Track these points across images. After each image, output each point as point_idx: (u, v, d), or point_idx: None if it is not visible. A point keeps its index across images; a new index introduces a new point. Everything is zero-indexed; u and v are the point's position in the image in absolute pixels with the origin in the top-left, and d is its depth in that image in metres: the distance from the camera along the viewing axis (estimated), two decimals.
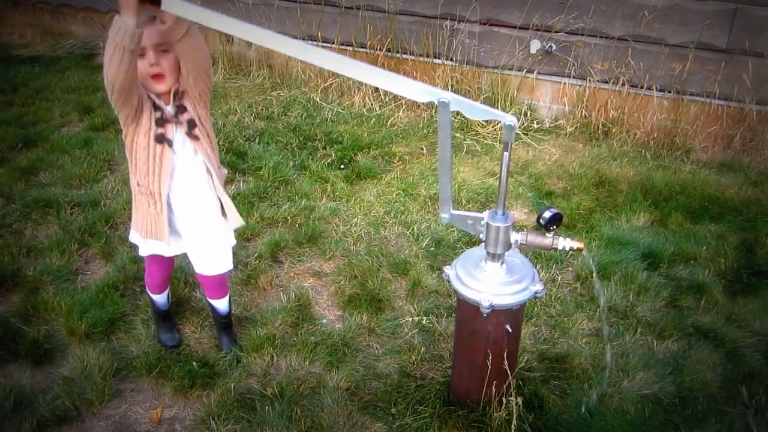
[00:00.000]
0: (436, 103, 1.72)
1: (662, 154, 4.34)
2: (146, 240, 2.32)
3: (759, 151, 4.25)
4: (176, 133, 2.15)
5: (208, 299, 2.61)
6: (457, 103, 1.72)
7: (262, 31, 1.79)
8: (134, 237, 2.38)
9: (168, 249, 2.34)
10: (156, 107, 2.11)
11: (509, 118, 1.68)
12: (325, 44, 5.45)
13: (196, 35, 1.99)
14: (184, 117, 2.14)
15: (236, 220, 2.35)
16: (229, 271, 2.48)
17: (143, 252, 2.40)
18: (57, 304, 2.82)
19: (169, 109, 2.13)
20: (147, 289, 2.62)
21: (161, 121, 2.11)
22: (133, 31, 1.83)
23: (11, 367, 2.55)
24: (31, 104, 5.16)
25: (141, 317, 2.77)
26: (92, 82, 5.67)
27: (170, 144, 2.14)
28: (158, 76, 2.06)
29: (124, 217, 3.47)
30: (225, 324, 2.65)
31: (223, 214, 2.33)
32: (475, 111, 1.74)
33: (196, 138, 2.17)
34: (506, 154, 1.77)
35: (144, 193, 2.20)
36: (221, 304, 2.60)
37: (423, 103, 4.93)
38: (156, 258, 2.42)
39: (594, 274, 2.98)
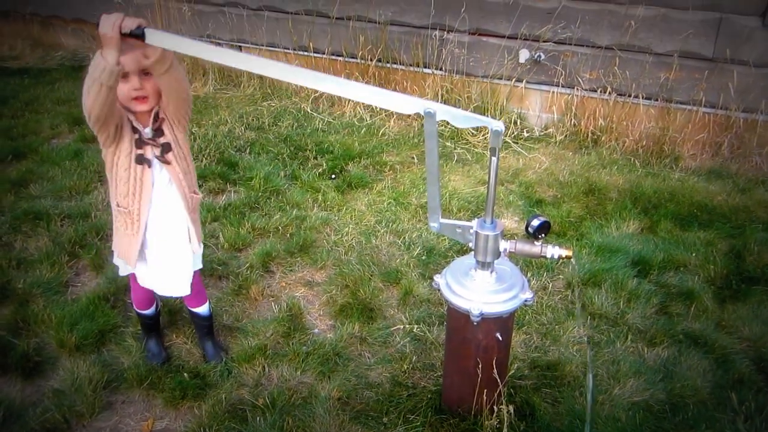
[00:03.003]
0: (422, 113, 1.74)
1: (651, 161, 4.37)
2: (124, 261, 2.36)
3: (747, 158, 4.29)
4: (154, 155, 2.18)
5: (188, 308, 2.62)
6: (444, 112, 1.73)
7: (243, 55, 1.86)
8: (116, 258, 2.42)
9: (140, 274, 2.37)
10: (134, 129, 2.14)
11: (496, 124, 1.70)
12: (316, 55, 5.48)
13: (177, 68, 2.02)
14: (160, 140, 2.18)
15: (195, 248, 2.38)
16: (191, 287, 2.42)
17: (122, 272, 2.44)
18: (47, 316, 2.81)
19: (147, 131, 2.16)
20: (134, 306, 2.61)
21: (140, 143, 2.15)
22: (113, 68, 1.87)
23: (0, 381, 2.53)
24: (20, 116, 5.15)
25: (131, 329, 2.76)
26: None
27: (149, 164, 2.17)
28: (141, 98, 2.09)
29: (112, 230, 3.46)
30: (207, 328, 2.65)
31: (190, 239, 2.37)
32: (462, 119, 1.75)
33: (167, 162, 2.20)
34: (494, 159, 1.78)
35: (123, 213, 2.23)
36: (202, 309, 2.60)
37: (412, 114, 4.95)
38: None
39: (576, 294, 2.99)
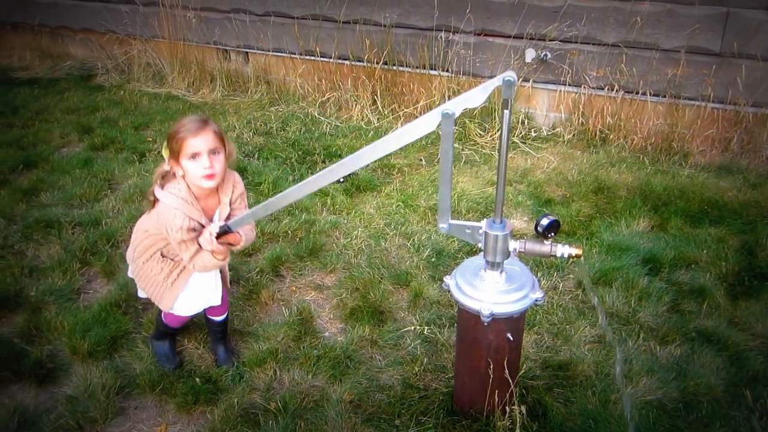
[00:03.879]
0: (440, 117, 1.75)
1: (660, 158, 4.35)
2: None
3: (757, 153, 4.26)
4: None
5: (206, 314, 2.63)
6: (460, 102, 1.75)
7: (303, 185, 2.05)
8: (141, 292, 2.57)
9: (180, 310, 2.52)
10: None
11: (507, 74, 1.69)
12: (323, 59, 5.49)
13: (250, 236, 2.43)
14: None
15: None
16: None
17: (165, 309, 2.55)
18: (59, 323, 2.83)
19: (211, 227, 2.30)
20: (164, 320, 2.62)
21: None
22: (225, 263, 2.38)
23: (15, 388, 2.55)
24: (30, 126, 5.20)
25: (143, 335, 2.77)
26: (91, 103, 5.71)
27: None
28: (210, 176, 2.24)
29: (125, 236, 3.49)
30: (221, 333, 2.66)
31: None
32: (479, 95, 1.74)
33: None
34: (506, 112, 1.76)
35: (167, 263, 2.40)
36: (219, 317, 2.63)
37: (420, 114, 4.96)
38: None
39: (587, 286, 2.97)
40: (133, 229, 2.52)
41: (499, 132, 1.88)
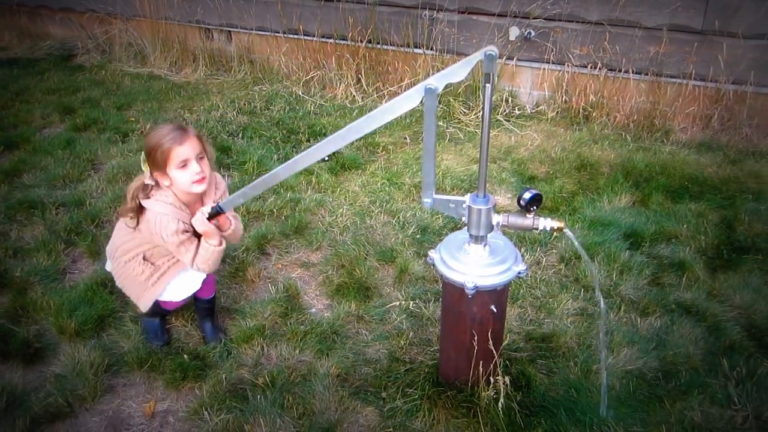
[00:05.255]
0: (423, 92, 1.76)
1: (642, 136, 4.40)
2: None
3: (737, 130, 4.32)
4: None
5: (194, 294, 2.64)
6: (443, 77, 1.76)
7: (291, 163, 2.06)
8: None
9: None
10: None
11: (489, 48, 1.71)
12: (306, 37, 5.46)
13: (239, 226, 2.50)
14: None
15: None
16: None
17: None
18: (46, 303, 2.83)
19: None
20: (161, 305, 2.61)
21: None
22: (221, 249, 2.36)
23: (2, 368, 2.55)
24: (11, 107, 5.13)
25: (130, 314, 2.78)
26: (72, 83, 5.65)
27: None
28: (201, 180, 2.28)
29: (109, 216, 3.48)
30: (208, 311, 2.68)
31: None
32: (461, 69, 1.76)
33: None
34: (488, 86, 1.78)
35: (147, 266, 2.42)
36: (207, 296, 2.65)
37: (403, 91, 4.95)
38: None
39: (577, 246, 3.02)
40: (115, 226, 2.53)
41: (482, 108, 1.89)
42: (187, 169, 2.24)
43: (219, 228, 2.37)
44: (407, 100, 1.80)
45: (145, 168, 2.29)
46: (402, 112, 1.85)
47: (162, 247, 2.38)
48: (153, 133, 2.26)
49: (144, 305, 2.49)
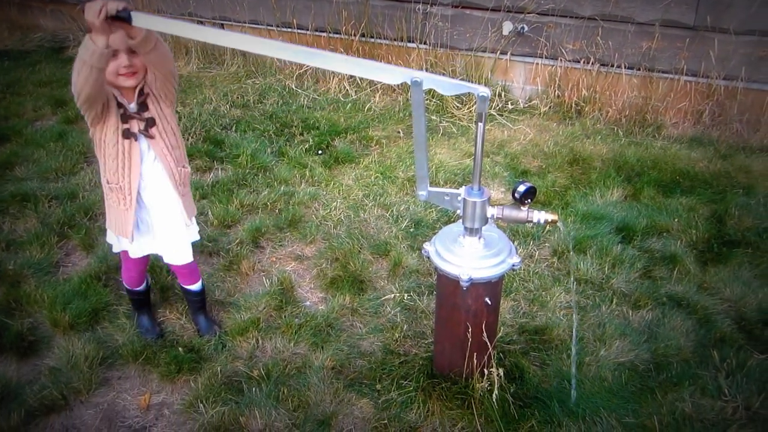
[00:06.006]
0: (409, 83, 1.76)
1: (634, 130, 4.42)
2: (118, 237, 2.39)
3: (727, 125, 4.35)
4: (139, 130, 2.21)
5: (181, 285, 2.65)
6: (430, 80, 1.76)
7: (227, 33, 1.89)
8: (109, 236, 2.46)
9: (134, 249, 2.41)
10: (119, 104, 2.16)
11: (482, 89, 1.72)
12: (300, 31, 5.45)
13: (162, 46, 2.05)
14: (145, 114, 2.20)
15: (186, 220, 2.42)
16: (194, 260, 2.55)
17: (116, 249, 2.47)
18: (39, 296, 2.82)
19: (132, 106, 2.18)
20: (124, 283, 2.63)
21: (125, 117, 2.17)
22: (102, 51, 1.91)
23: None
24: (2, 99, 5.09)
25: (124, 307, 2.78)
26: (63, 75, 5.60)
27: (136, 138, 2.19)
28: (128, 74, 2.11)
29: (103, 208, 3.40)
30: (199, 303, 2.68)
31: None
32: (449, 87, 1.78)
33: (151, 137, 2.22)
34: (480, 125, 1.81)
35: (114, 190, 2.27)
36: (194, 286, 2.64)
37: (398, 87, 4.96)
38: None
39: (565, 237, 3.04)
40: None
41: (474, 143, 1.90)
42: (116, 59, 2.06)
43: (129, 36, 1.95)
44: (389, 73, 1.80)
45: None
46: (378, 79, 1.84)
47: (108, 150, 2.17)
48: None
49: (129, 234, 2.32)
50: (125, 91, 2.16)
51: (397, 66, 1.82)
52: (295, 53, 1.87)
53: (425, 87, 1.76)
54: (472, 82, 4.73)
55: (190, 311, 2.73)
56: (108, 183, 2.26)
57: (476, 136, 1.84)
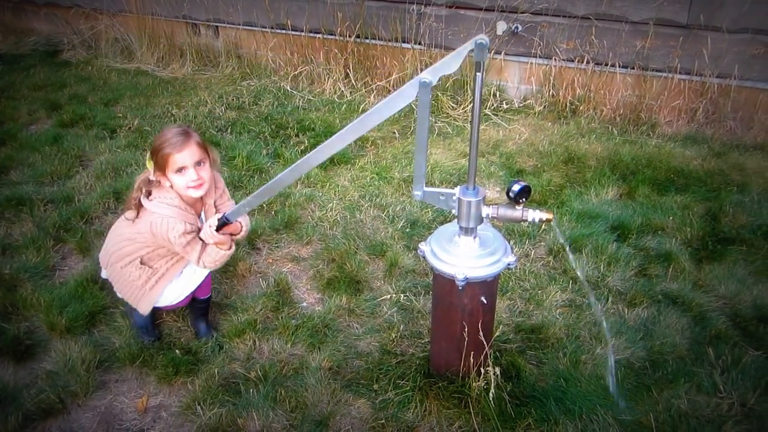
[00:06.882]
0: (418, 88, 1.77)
1: (628, 129, 4.44)
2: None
3: (721, 123, 4.37)
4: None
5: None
6: (437, 70, 1.77)
7: (289, 172, 2.05)
8: (105, 273, 2.59)
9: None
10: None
11: (480, 36, 1.72)
12: (294, 33, 5.45)
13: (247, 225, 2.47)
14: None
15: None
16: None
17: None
18: (36, 300, 2.82)
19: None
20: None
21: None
22: (231, 254, 2.39)
23: None
24: None
25: (121, 310, 2.78)
26: (58, 79, 5.61)
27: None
28: (198, 186, 2.30)
29: (98, 212, 3.48)
30: (203, 310, 2.69)
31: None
32: (450, 62, 1.77)
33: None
34: (479, 75, 1.79)
35: (145, 270, 2.41)
36: (204, 296, 2.65)
37: (393, 87, 4.97)
38: None
39: (561, 240, 3.05)
40: (109, 232, 2.52)
41: (471, 104, 1.90)
42: (183, 174, 2.26)
43: (232, 234, 2.38)
44: (403, 96, 1.81)
45: (150, 166, 2.31)
46: (399, 109, 1.85)
47: (161, 250, 2.38)
48: (159, 135, 2.30)
49: (144, 309, 2.47)
50: (194, 205, 2.41)
51: (403, 86, 1.82)
52: (337, 142, 1.94)
53: (437, 78, 1.77)
54: (466, 82, 4.78)
55: (191, 316, 2.73)
56: (142, 263, 2.41)
57: (475, 87, 1.82)
